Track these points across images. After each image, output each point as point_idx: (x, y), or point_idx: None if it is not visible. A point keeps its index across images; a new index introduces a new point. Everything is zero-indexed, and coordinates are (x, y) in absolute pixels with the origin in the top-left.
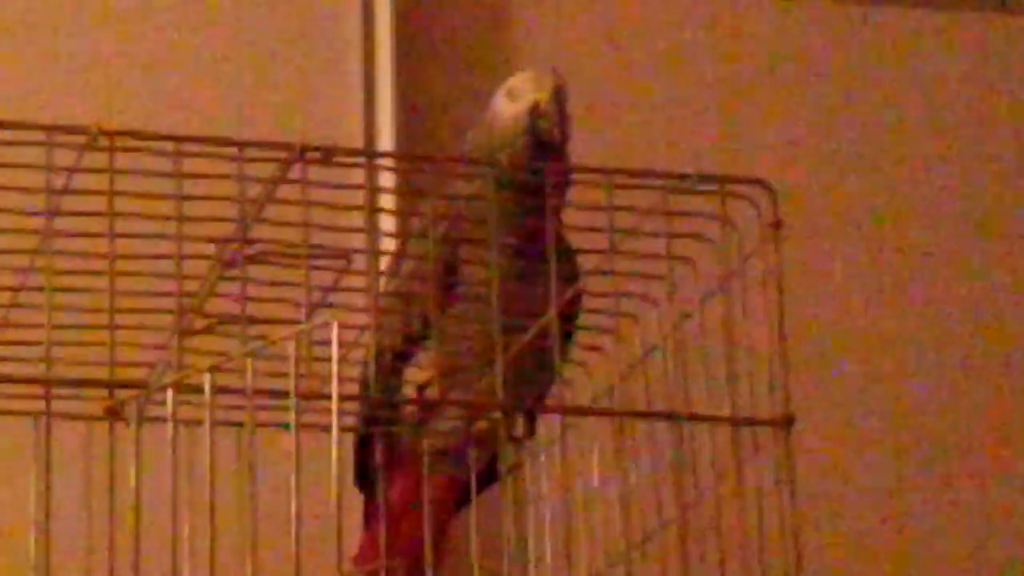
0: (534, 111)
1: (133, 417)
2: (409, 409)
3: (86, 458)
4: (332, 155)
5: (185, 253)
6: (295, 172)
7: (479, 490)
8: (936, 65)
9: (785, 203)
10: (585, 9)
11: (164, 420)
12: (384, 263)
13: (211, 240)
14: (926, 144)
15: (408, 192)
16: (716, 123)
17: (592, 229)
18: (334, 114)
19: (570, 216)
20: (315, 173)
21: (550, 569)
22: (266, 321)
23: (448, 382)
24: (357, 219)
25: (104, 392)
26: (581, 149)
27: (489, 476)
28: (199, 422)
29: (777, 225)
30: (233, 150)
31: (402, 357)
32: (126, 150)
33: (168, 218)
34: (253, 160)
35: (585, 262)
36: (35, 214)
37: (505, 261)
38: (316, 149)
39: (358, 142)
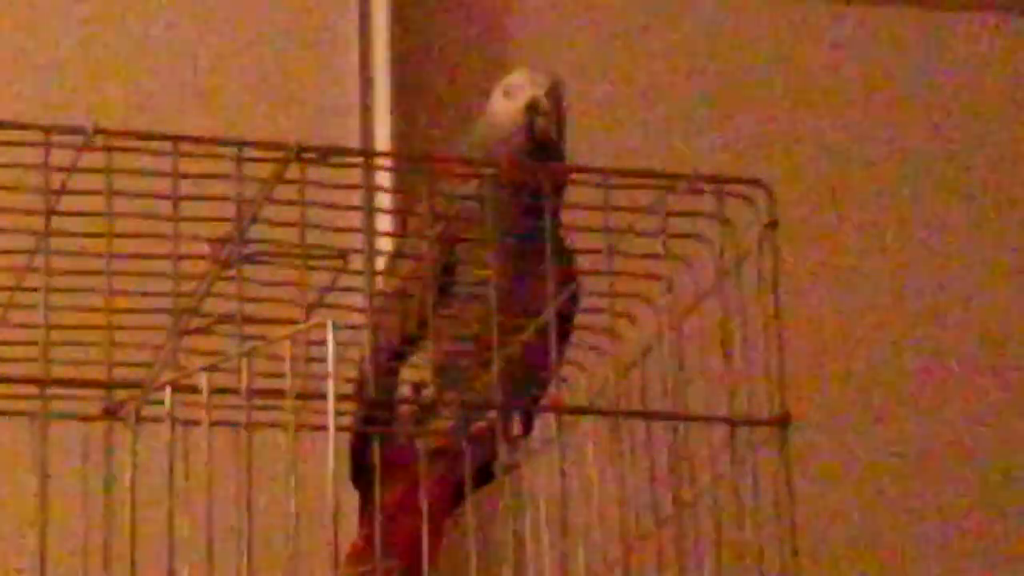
0: (530, 109)
1: (130, 417)
2: (406, 409)
3: (83, 458)
4: (329, 155)
5: (182, 253)
6: (292, 172)
7: (475, 490)
8: (936, 65)
9: (782, 203)
10: (582, 9)
11: (161, 420)
12: (381, 263)
13: (208, 240)
14: (925, 144)
15: (405, 192)
16: (714, 123)
17: (589, 229)
18: (331, 114)
19: (567, 215)
20: (312, 173)
21: (547, 569)
22: (263, 321)
23: (445, 382)
24: (354, 219)
25: (101, 392)
26: (578, 148)
27: (485, 476)
28: (196, 422)
29: (774, 225)
30: (230, 150)
31: (399, 357)
32: (123, 150)
33: (165, 218)
34: (250, 160)
35: (582, 261)
36: (32, 213)
37: (502, 260)
38: (313, 149)
39: (355, 142)
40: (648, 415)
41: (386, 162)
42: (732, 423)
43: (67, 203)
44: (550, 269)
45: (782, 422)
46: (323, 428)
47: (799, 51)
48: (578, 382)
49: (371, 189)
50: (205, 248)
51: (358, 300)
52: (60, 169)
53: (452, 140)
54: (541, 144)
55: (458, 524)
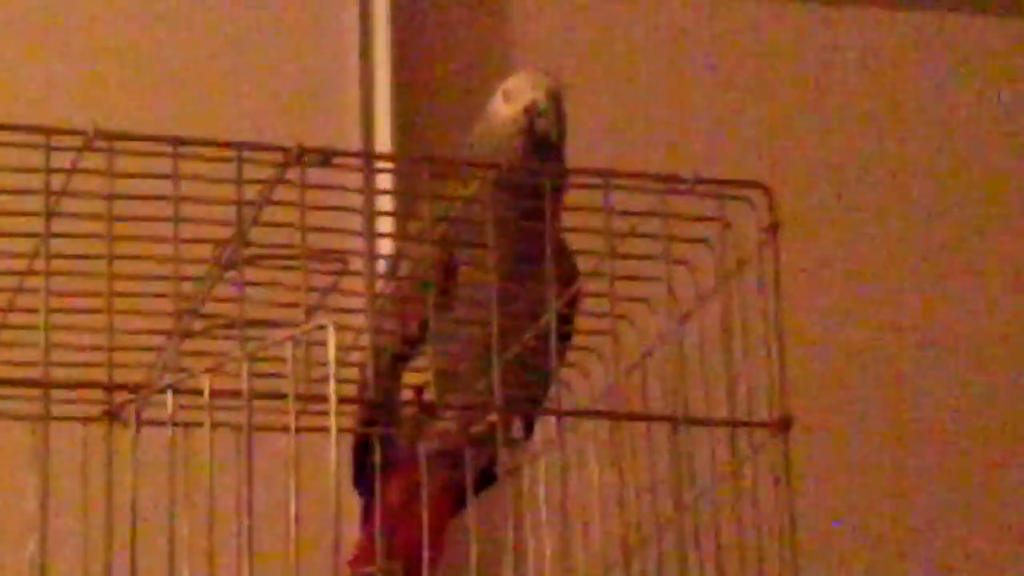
0: (530, 111)
1: (131, 419)
2: (407, 411)
3: (84, 461)
4: (330, 157)
5: (183, 255)
6: (293, 174)
7: (477, 492)
8: (935, 66)
9: (783, 205)
10: (583, 11)
11: (162, 423)
12: (382, 265)
13: (209, 242)
14: (925, 146)
15: (406, 194)
16: (714, 125)
17: (590, 231)
18: (332, 116)
19: (567, 218)
20: (313, 175)
21: (547, 570)
22: (264, 323)
23: (446, 384)
24: (355, 221)
25: (102, 394)
26: (578, 151)
27: (487, 478)
28: (197, 424)
29: (775, 227)
30: (231, 152)
31: (400, 359)
32: (124, 152)
33: (166, 220)
34: (251, 162)
35: (583, 264)
36: (32, 215)
37: (503, 263)
38: (314, 151)
39: (356, 144)
40: (649, 418)
41: (387, 164)
42: (733, 425)
43: (68, 205)
44: (550, 271)
45: (783, 424)
46: (324, 430)
47: (799, 51)
48: (579, 384)
49: (372, 191)
50: (206, 250)
51: (359, 303)
52: (61, 171)
53: (453, 142)
54: (541, 147)
55: (459, 526)
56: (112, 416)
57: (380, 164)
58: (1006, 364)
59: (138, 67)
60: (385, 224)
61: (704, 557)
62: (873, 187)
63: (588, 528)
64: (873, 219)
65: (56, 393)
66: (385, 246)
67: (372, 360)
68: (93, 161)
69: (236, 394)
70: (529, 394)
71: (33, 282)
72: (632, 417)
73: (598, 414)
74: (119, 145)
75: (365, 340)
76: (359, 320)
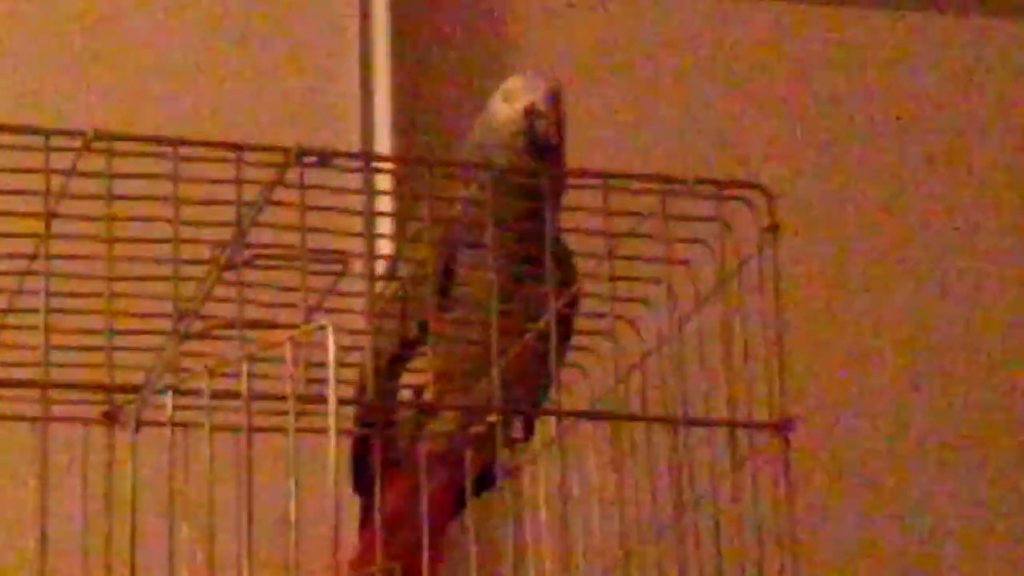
0: (530, 113)
1: (131, 421)
2: (406, 413)
3: (84, 462)
4: (329, 158)
5: (182, 256)
6: (292, 175)
7: (476, 494)
8: (935, 67)
9: (782, 206)
10: (581, 12)
11: (162, 424)
12: (381, 266)
13: (208, 243)
14: (925, 146)
15: (405, 195)
16: (713, 126)
17: (589, 232)
18: (331, 117)
19: (567, 219)
20: (312, 176)
21: (548, 571)
22: (263, 324)
23: (445, 386)
24: (354, 222)
25: (101, 396)
26: (578, 152)
27: (486, 480)
28: (197, 425)
29: (774, 228)
30: (230, 153)
31: (399, 361)
32: (123, 153)
33: (165, 221)
34: (250, 163)
35: (582, 265)
36: (32, 216)
37: (502, 264)
38: (313, 152)
39: (355, 145)
40: (648, 419)
41: (386, 166)
42: (732, 426)
43: (67, 206)
44: (550, 272)
45: (782, 426)
46: (324, 431)
47: (799, 53)
48: (578, 386)
49: (371, 193)
50: (205, 251)
51: (358, 304)
52: (60, 172)
53: (452, 143)
54: (541, 148)
55: (459, 526)
56: (112, 417)
57: (379, 165)
58: (1006, 364)
59: (138, 68)
60: (384, 225)
61: (704, 558)
62: (873, 187)
63: (588, 528)
64: (872, 219)
65: (56, 394)
66: (384, 247)
67: (371, 361)
68: (92, 162)
69: (235, 395)
70: (529, 395)
71: (33, 283)
72: (632, 418)
73: (598, 415)
74: (118, 146)
75: (365, 341)
76: (358, 322)
